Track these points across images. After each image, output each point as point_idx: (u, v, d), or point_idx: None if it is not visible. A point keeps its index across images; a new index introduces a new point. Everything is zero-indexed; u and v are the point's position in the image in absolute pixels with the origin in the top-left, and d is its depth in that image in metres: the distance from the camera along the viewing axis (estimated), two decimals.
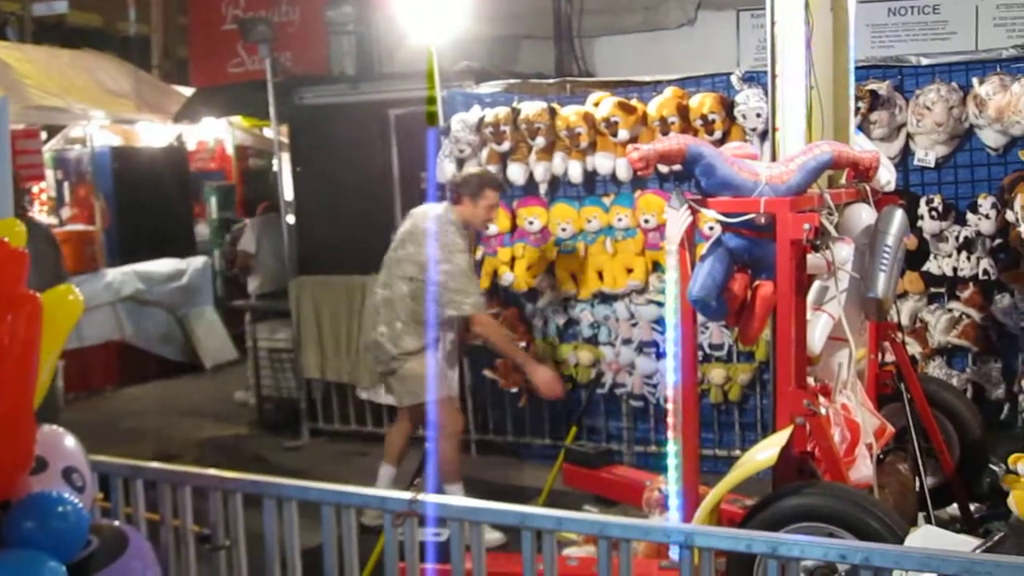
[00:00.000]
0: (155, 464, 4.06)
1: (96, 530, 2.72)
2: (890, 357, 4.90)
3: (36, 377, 2.54)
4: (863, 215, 4.49)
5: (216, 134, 13.01)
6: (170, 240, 11.35)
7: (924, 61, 6.21)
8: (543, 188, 7.04)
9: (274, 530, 3.73)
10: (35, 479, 2.59)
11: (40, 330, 2.51)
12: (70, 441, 2.83)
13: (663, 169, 6.47)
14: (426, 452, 4.83)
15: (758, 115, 6.15)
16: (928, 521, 4.55)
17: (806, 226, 3.82)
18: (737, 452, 6.17)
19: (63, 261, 5.67)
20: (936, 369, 6.11)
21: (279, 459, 7.75)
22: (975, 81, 5.87)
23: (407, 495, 3.52)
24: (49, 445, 2.72)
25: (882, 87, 6.07)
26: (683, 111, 6.46)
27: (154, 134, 12.28)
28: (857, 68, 4.95)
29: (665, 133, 6.25)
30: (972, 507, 5.02)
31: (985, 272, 5.95)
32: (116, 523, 3.36)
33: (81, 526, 2.56)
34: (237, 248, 9.80)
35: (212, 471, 3.93)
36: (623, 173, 6.66)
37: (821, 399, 4.02)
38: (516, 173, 7.00)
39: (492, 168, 7.01)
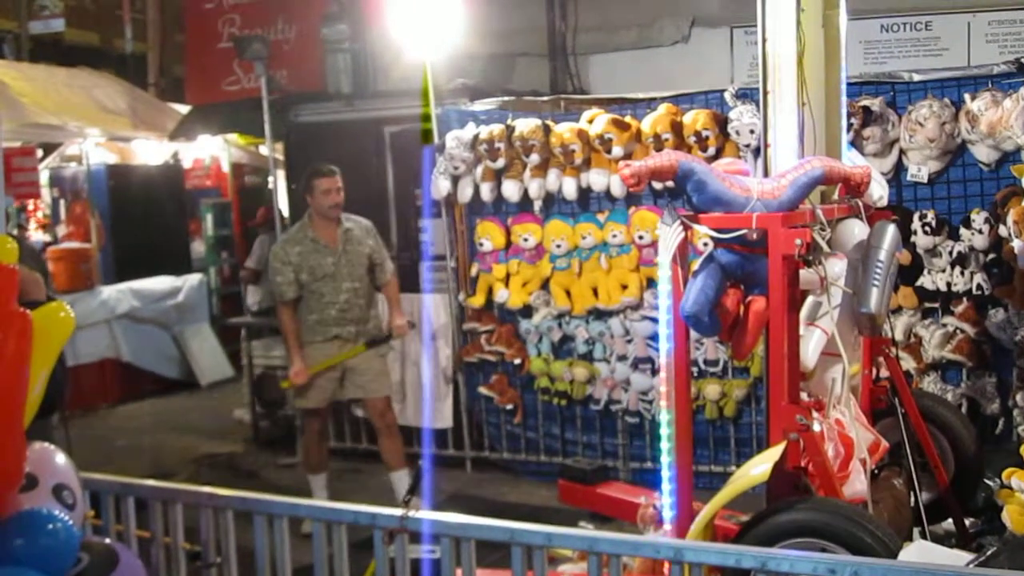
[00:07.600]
0: (146, 481, 4.06)
1: (87, 547, 2.72)
2: (884, 372, 4.90)
3: (26, 394, 2.54)
4: (856, 230, 4.50)
5: (212, 152, 13.01)
6: (166, 258, 11.37)
7: (916, 77, 6.24)
8: (537, 205, 7.05)
9: (265, 547, 3.73)
10: (25, 496, 2.60)
11: (31, 347, 2.51)
12: (61, 458, 2.83)
13: (657, 186, 6.49)
14: (419, 470, 4.85)
15: (751, 131, 6.17)
16: (923, 536, 4.54)
17: (798, 241, 3.83)
18: (732, 468, 6.16)
19: (50, 278, 5.68)
20: (931, 384, 6.11)
21: (274, 476, 7.75)
22: (967, 97, 5.90)
23: (398, 512, 3.52)
24: (40, 462, 2.72)
25: (875, 103, 6.09)
26: (677, 128, 6.48)
27: (150, 152, 12.29)
28: (849, 84, 4.97)
29: (659, 150, 6.27)
30: (967, 522, 5.01)
31: (979, 287, 5.96)
32: (107, 540, 3.37)
33: (71, 543, 2.56)
34: (246, 263, 9.88)
35: (202, 488, 3.93)
36: (617, 190, 6.68)
37: (815, 414, 4.02)
38: (511, 190, 7.03)
39: (487, 185, 7.07)
